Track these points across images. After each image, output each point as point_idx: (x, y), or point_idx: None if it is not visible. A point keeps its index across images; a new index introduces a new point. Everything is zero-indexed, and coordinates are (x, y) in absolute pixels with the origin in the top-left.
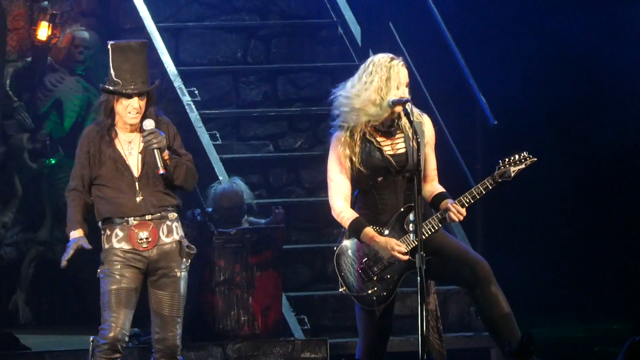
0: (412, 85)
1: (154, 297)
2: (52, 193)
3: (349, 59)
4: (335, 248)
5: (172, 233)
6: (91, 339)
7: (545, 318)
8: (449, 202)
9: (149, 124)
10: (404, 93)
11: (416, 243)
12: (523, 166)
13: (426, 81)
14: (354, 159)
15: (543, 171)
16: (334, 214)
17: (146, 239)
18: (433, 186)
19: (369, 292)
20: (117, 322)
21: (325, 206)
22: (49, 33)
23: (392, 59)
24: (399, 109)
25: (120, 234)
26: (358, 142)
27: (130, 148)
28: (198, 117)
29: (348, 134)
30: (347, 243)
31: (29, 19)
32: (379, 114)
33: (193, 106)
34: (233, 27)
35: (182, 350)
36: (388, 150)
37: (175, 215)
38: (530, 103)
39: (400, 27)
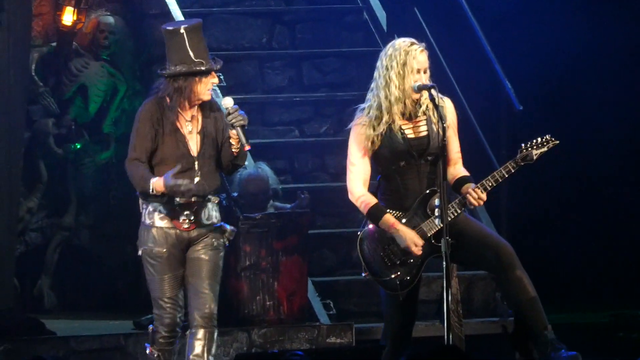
0: (437, 70)
1: (191, 268)
2: (77, 178)
3: (374, 45)
4: (359, 233)
5: (212, 214)
6: (150, 327)
7: (570, 303)
8: (470, 187)
9: (230, 102)
10: (421, 78)
11: (440, 227)
12: (545, 149)
13: (451, 66)
14: (375, 142)
15: (569, 155)
16: (353, 198)
17: (190, 219)
18: (456, 169)
19: (393, 276)
20: (174, 308)
21: (350, 198)
22: (74, 18)
23: (411, 44)
24: (424, 93)
25: (164, 211)
26: (380, 126)
27: (190, 127)
28: None
29: (370, 117)
30: (372, 227)
31: (54, 4)
32: (399, 98)
33: (218, 91)
34: (258, 12)
35: None
36: (410, 133)
37: (218, 198)
38: (557, 88)
39: (425, 12)
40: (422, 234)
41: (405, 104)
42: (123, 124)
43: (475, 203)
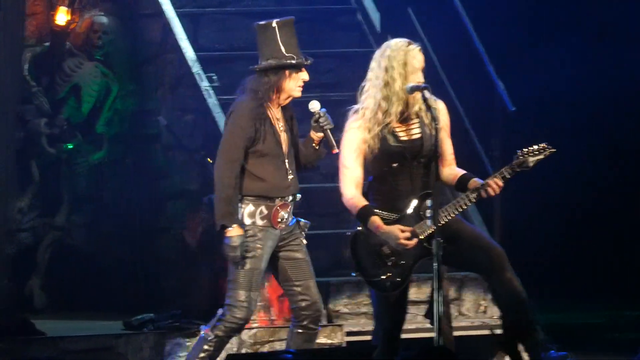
0: (431, 71)
1: (290, 266)
2: (70, 178)
3: (367, 45)
4: (349, 233)
5: (292, 212)
6: (220, 311)
7: (565, 304)
8: (477, 180)
9: (318, 105)
10: (420, 78)
11: (432, 229)
12: (542, 157)
13: (444, 67)
14: (368, 144)
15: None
16: (344, 199)
17: (285, 218)
18: (453, 169)
19: (383, 277)
20: (251, 304)
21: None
22: (68, 18)
23: (409, 44)
24: (417, 95)
25: (265, 211)
26: (375, 128)
27: (280, 124)
28: (217, 102)
29: (365, 119)
30: (363, 228)
31: (47, 4)
32: (397, 99)
33: (211, 92)
34: (251, 12)
35: (196, 336)
36: (403, 135)
37: (300, 196)
38: (550, 90)
39: (419, 12)
40: (415, 236)
41: (407, 104)
42: (116, 124)
43: (493, 192)
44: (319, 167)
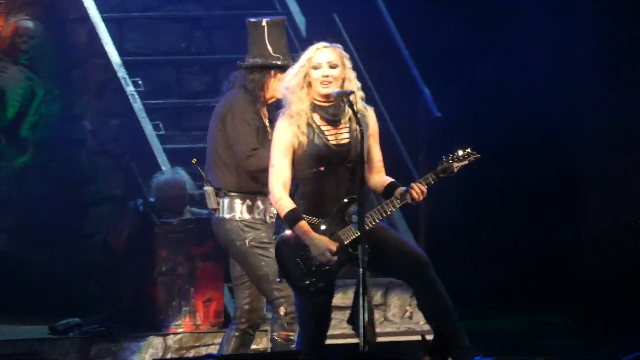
0: (357, 77)
1: None
2: None
3: (293, 50)
4: (276, 237)
5: None
6: (281, 310)
7: (490, 310)
8: (403, 188)
9: None
10: (325, 72)
11: (357, 235)
12: (466, 162)
13: (370, 72)
14: (297, 146)
15: (485, 165)
16: (272, 199)
17: (274, 214)
18: (381, 177)
19: (307, 282)
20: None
21: (270, 199)
22: None
23: (319, 44)
24: (345, 99)
25: (261, 206)
26: (302, 130)
27: (267, 123)
28: (141, 107)
29: (292, 120)
30: (289, 233)
31: None
32: (307, 99)
33: (137, 96)
34: (177, 17)
35: (122, 340)
36: (332, 139)
37: None
38: (475, 95)
39: (345, 18)
40: (339, 241)
41: (320, 107)
42: (41, 128)
43: (418, 197)
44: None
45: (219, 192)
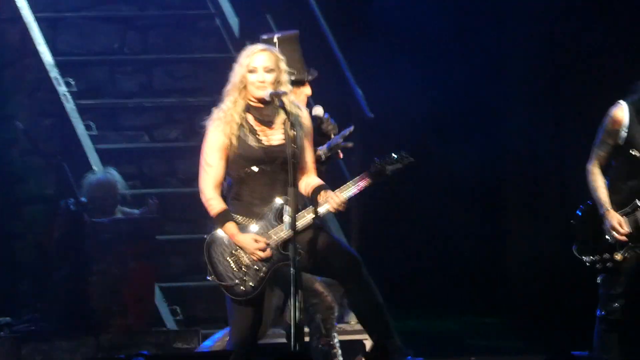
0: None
1: None
2: None
3: (226, 51)
4: (206, 237)
5: None
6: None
7: (423, 311)
8: (329, 192)
9: (321, 111)
10: (260, 77)
11: (289, 235)
12: (400, 166)
13: None
14: (230, 146)
15: (419, 165)
16: (203, 198)
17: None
18: (311, 179)
19: (238, 282)
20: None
21: (200, 197)
22: None
23: (255, 47)
24: (277, 100)
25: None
26: (234, 129)
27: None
28: (74, 107)
29: (226, 121)
30: (220, 232)
31: None
32: (242, 101)
33: (69, 96)
34: (111, 17)
35: (53, 340)
36: (265, 140)
37: None
38: (408, 97)
39: (278, 18)
40: (271, 241)
41: (254, 108)
42: None
43: (337, 207)
44: (177, 172)
45: None
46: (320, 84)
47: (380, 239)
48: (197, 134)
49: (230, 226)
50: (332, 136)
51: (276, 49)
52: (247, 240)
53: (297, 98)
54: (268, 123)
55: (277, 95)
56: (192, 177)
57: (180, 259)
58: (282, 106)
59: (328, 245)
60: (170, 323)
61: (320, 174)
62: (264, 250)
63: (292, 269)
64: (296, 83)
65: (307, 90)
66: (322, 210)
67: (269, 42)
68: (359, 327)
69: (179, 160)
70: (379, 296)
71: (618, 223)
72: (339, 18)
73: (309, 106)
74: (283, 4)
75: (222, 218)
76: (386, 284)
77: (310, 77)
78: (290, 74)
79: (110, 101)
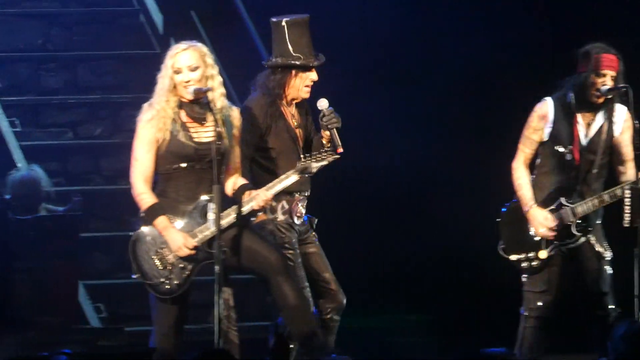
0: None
1: (310, 261)
2: None
3: (150, 47)
4: (132, 234)
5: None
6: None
7: (348, 308)
8: (254, 190)
9: (326, 103)
10: (185, 77)
11: (213, 233)
12: (325, 162)
13: (229, 71)
14: (160, 141)
15: (349, 164)
16: (134, 193)
17: (302, 213)
18: (236, 178)
19: (163, 280)
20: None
21: (125, 194)
22: None
23: (178, 46)
24: (210, 97)
25: (286, 206)
26: (167, 126)
27: (295, 122)
28: None
29: (158, 115)
30: (145, 230)
31: None
32: (174, 98)
33: None
34: (34, 14)
35: None
36: (195, 137)
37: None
38: (333, 95)
39: (203, 15)
40: (196, 239)
41: (186, 104)
42: None
43: (263, 205)
44: (101, 170)
45: None
46: (245, 80)
47: None
48: (121, 131)
49: (162, 220)
50: (334, 130)
51: (200, 44)
52: (177, 236)
53: (302, 83)
54: (200, 120)
55: (200, 92)
56: (117, 174)
57: (104, 256)
58: (207, 102)
59: (253, 243)
60: (94, 321)
61: None
62: (190, 248)
63: (216, 267)
64: (302, 68)
65: (312, 75)
66: (247, 208)
67: (278, 25)
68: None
69: (103, 157)
70: (303, 294)
71: (544, 218)
72: (263, 14)
73: (313, 94)
74: (207, 1)
75: (154, 212)
76: (309, 282)
77: (316, 63)
78: (296, 58)
79: (35, 98)
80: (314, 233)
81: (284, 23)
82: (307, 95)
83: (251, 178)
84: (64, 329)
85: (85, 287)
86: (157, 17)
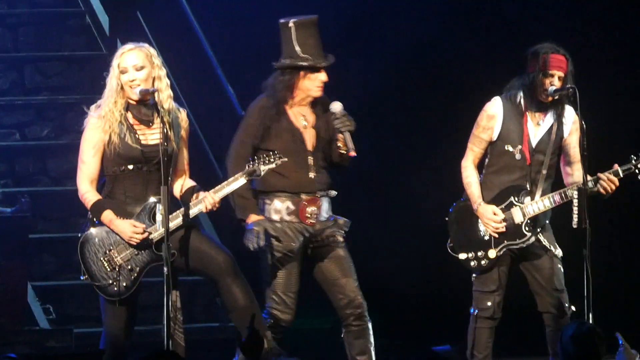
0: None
1: (323, 267)
2: None
3: (96, 49)
4: (80, 235)
5: (329, 209)
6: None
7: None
8: (202, 193)
9: (339, 106)
10: (131, 76)
11: (161, 234)
12: (273, 165)
13: (175, 71)
14: (107, 143)
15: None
16: (79, 194)
17: (314, 214)
18: (184, 180)
19: (111, 282)
20: (295, 303)
21: (73, 195)
22: None
23: (125, 46)
24: (157, 99)
25: (292, 207)
26: (114, 127)
27: (305, 122)
28: None
29: (104, 118)
30: (93, 231)
31: None
32: (121, 100)
33: None
34: None
35: None
36: (143, 138)
37: (334, 192)
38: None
39: (149, 16)
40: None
41: (133, 106)
42: None
43: (210, 208)
44: (48, 171)
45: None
46: (193, 81)
47: None
48: (68, 132)
49: (108, 213)
50: (346, 133)
51: (147, 45)
52: (125, 226)
53: (312, 84)
54: (147, 122)
55: (147, 93)
56: (64, 175)
57: (52, 257)
58: (154, 103)
59: (201, 244)
60: (43, 322)
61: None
62: (141, 234)
63: (165, 269)
64: (310, 69)
65: (322, 76)
66: (195, 210)
67: (285, 26)
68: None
69: (51, 158)
70: (252, 295)
71: (493, 213)
72: (209, 16)
73: (325, 96)
74: (152, 1)
75: (99, 207)
76: (259, 283)
77: (324, 64)
78: (304, 60)
79: None
80: (339, 236)
81: (291, 24)
82: (319, 93)
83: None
84: (13, 330)
85: (34, 289)
86: (103, 19)
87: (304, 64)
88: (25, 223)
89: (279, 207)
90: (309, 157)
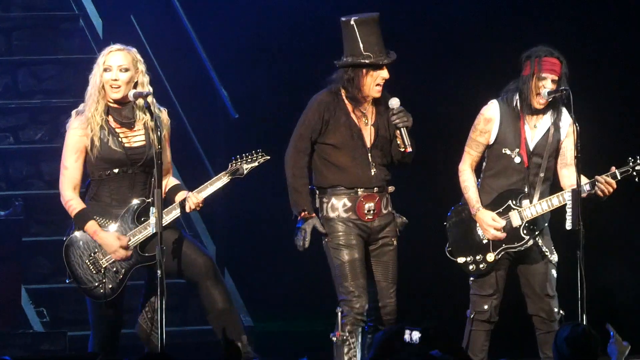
0: (154, 78)
1: (378, 267)
2: None
3: (90, 52)
4: (65, 239)
5: (388, 205)
6: (338, 310)
7: (288, 312)
8: (186, 192)
9: (397, 102)
10: (114, 75)
11: (146, 236)
12: (256, 164)
13: (168, 74)
14: (89, 147)
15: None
16: (63, 201)
17: (372, 210)
18: (168, 179)
19: (97, 284)
20: (364, 292)
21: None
22: None
23: (113, 47)
24: (139, 101)
25: (349, 203)
26: (96, 131)
27: (365, 119)
28: None
29: (86, 122)
30: (78, 234)
31: None
32: (102, 101)
33: None
34: None
35: None
36: (126, 141)
37: (392, 188)
38: (273, 97)
39: (142, 19)
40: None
41: (114, 109)
42: None
43: (194, 207)
44: (42, 174)
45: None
46: (186, 83)
47: (246, 239)
48: (62, 135)
49: (92, 224)
50: (403, 129)
51: (134, 50)
52: (109, 238)
53: (374, 82)
54: (128, 124)
55: (140, 96)
56: (58, 179)
57: (46, 260)
58: (148, 107)
59: (182, 246)
60: (36, 325)
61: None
62: (126, 248)
63: (158, 271)
64: (372, 66)
65: (383, 73)
66: (177, 212)
67: (347, 24)
68: None
69: (44, 161)
70: (227, 299)
71: (492, 219)
72: (203, 19)
73: (386, 93)
74: (146, 5)
75: (83, 217)
76: (255, 285)
77: (386, 61)
78: (366, 57)
79: None
80: (393, 239)
81: (352, 22)
82: (378, 95)
83: (309, 171)
84: (7, 333)
85: (27, 292)
86: (97, 22)
87: (366, 61)
88: (18, 226)
89: (336, 204)
90: (369, 154)
